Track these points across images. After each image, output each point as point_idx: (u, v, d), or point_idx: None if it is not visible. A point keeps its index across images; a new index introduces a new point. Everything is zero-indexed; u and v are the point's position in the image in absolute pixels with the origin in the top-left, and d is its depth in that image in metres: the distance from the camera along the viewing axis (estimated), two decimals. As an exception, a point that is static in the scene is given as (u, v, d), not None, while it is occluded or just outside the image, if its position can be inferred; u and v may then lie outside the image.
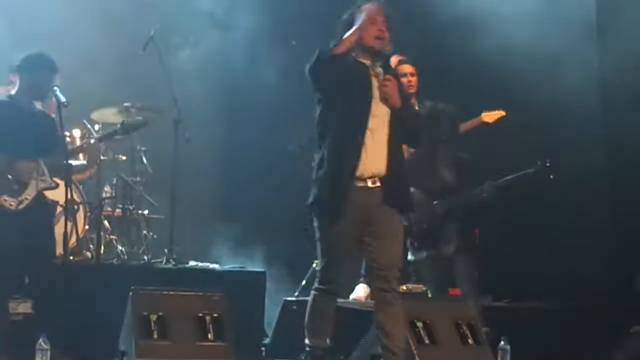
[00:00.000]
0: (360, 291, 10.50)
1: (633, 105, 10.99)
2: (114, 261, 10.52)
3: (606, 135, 11.36)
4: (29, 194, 8.36)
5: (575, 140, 11.10)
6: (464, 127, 10.59)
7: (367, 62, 7.42)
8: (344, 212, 7.24)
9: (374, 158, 7.28)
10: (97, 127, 10.91)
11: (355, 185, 7.27)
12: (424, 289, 9.64)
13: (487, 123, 10.95)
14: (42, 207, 8.54)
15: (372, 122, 7.30)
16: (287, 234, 12.13)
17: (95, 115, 10.97)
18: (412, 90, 10.82)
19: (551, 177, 9.50)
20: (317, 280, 7.57)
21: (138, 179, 11.23)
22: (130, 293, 7.82)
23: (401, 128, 7.40)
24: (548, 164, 9.52)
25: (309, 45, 7.66)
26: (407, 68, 10.92)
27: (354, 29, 7.37)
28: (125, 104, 10.99)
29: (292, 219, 11.95)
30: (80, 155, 10.17)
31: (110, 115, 11.05)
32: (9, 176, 8.28)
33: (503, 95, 11.36)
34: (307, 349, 7.64)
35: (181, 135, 10.90)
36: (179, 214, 10.96)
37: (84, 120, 10.74)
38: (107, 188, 11.13)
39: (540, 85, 11.28)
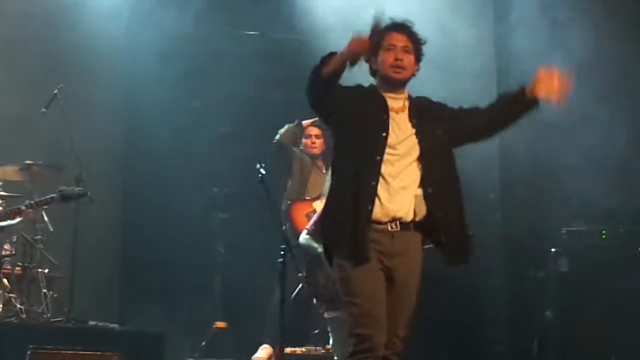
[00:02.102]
0: (262, 354, 10.31)
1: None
2: (13, 319, 10.26)
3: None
4: None
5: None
6: None
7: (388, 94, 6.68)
8: None
9: None
10: None
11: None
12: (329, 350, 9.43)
13: None
14: None
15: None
16: (189, 294, 12.22)
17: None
18: (316, 152, 10.87)
19: None
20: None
21: (38, 237, 10.96)
22: (29, 352, 7.99)
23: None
24: None
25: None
26: (314, 130, 10.89)
27: (345, 48, 6.41)
28: (27, 162, 10.80)
29: (194, 278, 12.20)
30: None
31: (12, 172, 10.88)
32: None
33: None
34: None
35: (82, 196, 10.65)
36: (80, 273, 10.84)
37: None
38: (6, 246, 10.85)
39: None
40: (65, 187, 10.27)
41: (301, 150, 11.01)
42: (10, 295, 10.64)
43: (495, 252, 11.21)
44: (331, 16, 11.78)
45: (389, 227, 6.40)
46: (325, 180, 10.09)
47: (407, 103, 6.60)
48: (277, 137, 10.91)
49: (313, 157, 10.93)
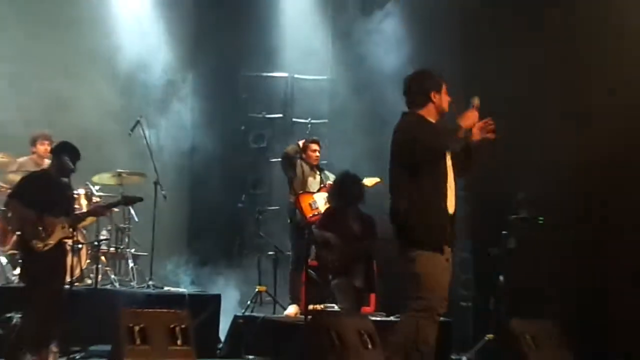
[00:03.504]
0: (291, 310, 10.38)
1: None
2: (109, 287, 10.46)
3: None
4: (52, 241, 8.34)
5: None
6: None
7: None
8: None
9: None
10: (96, 187, 10.83)
11: None
12: (337, 308, 9.55)
13: (367, 187, 10.38)
14: (60, 250, 8.49)
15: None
16: (238, 265, 12.20)
17: (95, 179, 10.86)
18: (316, 162, 10.83)
19: None
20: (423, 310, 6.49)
21: (127, 225, 11.17)
22: (121, 311, 7.81)
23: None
24: None
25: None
26: (317, 147, 10.84)
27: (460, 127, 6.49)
28: (118, 170, 10.93)
29: (242, 253, 12.35)
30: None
31: (106, 178, 10.96)
32: (40, 227, 8.28)
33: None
34: None
35: (159, 193, 10.99)
36: (157, 251, 10.99)
37: (87, 182, 10.64)
38: (104, 232, 11.01)
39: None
40: (127, 194, 10.22)
41: (302, 158, 10.77)
42: (107, 269, 10.81)
43: (464, 234, 11.05)
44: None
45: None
46: (317, 181, 10.59)
47: None
48: (284, 151, 10.84)
49: (312, 165, 10.82)
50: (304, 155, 10.85)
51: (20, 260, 8.98)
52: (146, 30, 12.70)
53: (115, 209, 10.74)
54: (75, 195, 9.73)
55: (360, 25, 11.83)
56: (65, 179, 8.64)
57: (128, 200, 9.71)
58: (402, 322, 6.63)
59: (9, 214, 8.73)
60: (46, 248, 8.33)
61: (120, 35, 12.57)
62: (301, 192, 10.55)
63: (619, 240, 9.75)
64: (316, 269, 9.75)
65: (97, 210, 9.74)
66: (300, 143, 10.84)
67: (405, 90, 6.78)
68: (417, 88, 6.72)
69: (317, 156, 10.86)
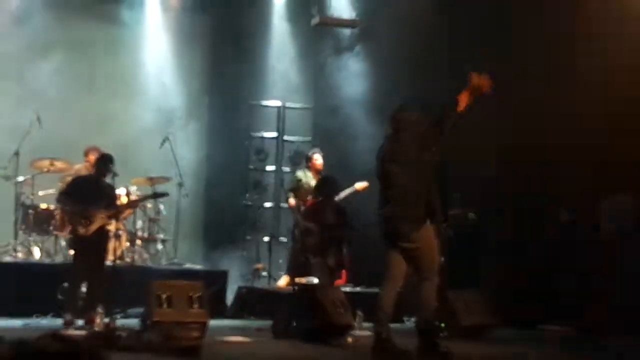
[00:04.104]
0: (282, 281, 10.35)
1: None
2: (142, 264, 10.53)
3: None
4: (93, 227, 8.43)
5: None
6: (343, 194, 10.29)
7: None
8: None
9: None
10: (134, 187, 10.78)
11: None
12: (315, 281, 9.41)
13: (358, 190, 10.32)
14: (101, 235, 8.58)
15: None
16: (241, 248, 12.09)
17: (133, 181, 10.83)
18: (320, 169, 10.52)
19: None
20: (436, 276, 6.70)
21: (157, 217, 11.16)
22: (151, 282, 7.78)
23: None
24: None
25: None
26: (318, 155, 10.63)
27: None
28: (150, 175, 10.92)
29: (245, 237, 12.19)
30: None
31: (141, 181, 10.95)
32: (85, 219, 8.38)
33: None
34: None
35: (182, 193, 11.11)
36: (180, 236, 11.19)
37: (127, 184, 10.50)
38: (139, 222, 11.05)
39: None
40: (157, 190, 10.10)
41: (307, 167, 10.55)
42: (141, 250, 10.86)
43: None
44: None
45: None
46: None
47: None
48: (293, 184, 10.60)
49: (316, 170, 10.53)
50: (309, 164, 10.61)
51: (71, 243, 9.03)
52: (171, 62, 12.63)
53: (149, 205, 10.92)
54: (118, 194, 9.60)
55: (334, 63, 11.90)
56: (106, 181, 8.72)
57: (157, 195, 9.64)
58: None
59: (61, 208, 8.85)
60: (89, 233, 8.42)
61: (153, 64, 12.47)
62: (309, 198, 10.24)
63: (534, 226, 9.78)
64: (300, 251, 9.65)
65: (131, 204, 9.77)
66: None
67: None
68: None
69: (321, 164, 10.55)
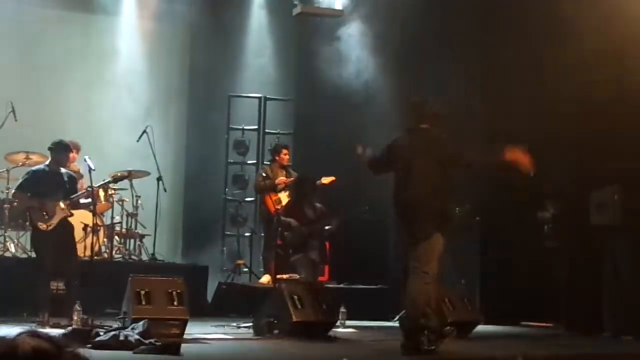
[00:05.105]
0: (264, 279, 10.29)
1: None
2: (121, 259, 10.52)
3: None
4: (54, 221, 8.32)
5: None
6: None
7: None
8: None
9: None
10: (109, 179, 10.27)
11: None
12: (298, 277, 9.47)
13: (324, 184, 10.26)
14: (64, 228, 8.44)
15: None
16: (221, 245, 12.06)
17: (111, 175, 10.14)
18: (286, 164, 10.59)
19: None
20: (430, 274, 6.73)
21: (136, 211, 11.08)
22: (130, 278, 7.70)
23: None
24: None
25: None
26: (286, 150, 10.62)
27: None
28: (129, 169, 10.46)
29: (225, 234, 12.14)
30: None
31: (119, 175, 10.37)
32: (44, 212, 8.29)
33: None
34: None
35: (161, 187, 10.93)
36: (159, 231, 10.95)
37: (104, 179, 9.95)
38: (117, 217, 10.99)
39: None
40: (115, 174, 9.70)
41: (274, 160, 10.59)
42: (119, 245, 10.82)
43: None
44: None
45: None
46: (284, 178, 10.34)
47: None
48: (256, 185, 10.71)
49: (282, 165, 10.56)
50: (277, 158, 10.62)
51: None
52: (153, 56, 12.54)
53: (126, 199, 10.89)
54: (81, 184, 9.49)
55: (316, 53, 11.83)
56: (63, 170, 8.56)
57: (117, 179, 9.37)
58: None
59: (15, 204, 8.69)
60: (50, 228, 8.29)
61: (130, 55, 12.37)
62: (267, 193, 10.38)
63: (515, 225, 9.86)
64: (281, 247, 9.64)
65: (89, 193, 9.33)
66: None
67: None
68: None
69: (288, 158, 10.65)
